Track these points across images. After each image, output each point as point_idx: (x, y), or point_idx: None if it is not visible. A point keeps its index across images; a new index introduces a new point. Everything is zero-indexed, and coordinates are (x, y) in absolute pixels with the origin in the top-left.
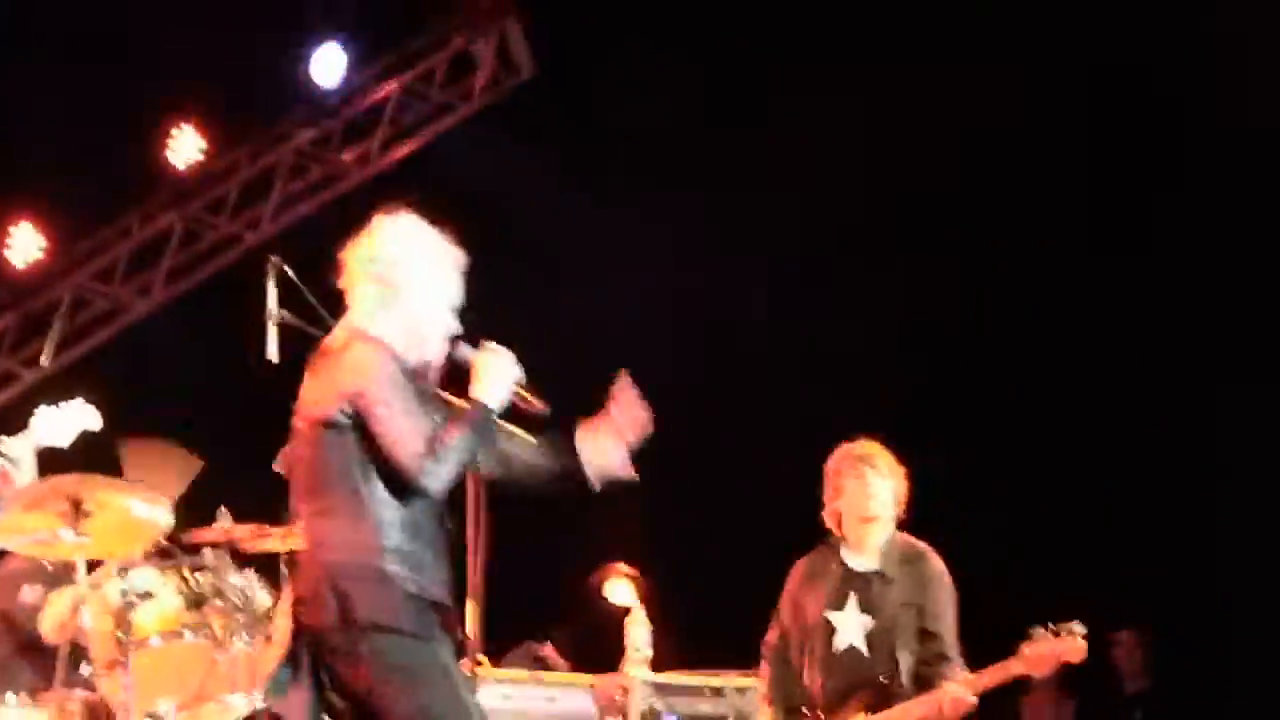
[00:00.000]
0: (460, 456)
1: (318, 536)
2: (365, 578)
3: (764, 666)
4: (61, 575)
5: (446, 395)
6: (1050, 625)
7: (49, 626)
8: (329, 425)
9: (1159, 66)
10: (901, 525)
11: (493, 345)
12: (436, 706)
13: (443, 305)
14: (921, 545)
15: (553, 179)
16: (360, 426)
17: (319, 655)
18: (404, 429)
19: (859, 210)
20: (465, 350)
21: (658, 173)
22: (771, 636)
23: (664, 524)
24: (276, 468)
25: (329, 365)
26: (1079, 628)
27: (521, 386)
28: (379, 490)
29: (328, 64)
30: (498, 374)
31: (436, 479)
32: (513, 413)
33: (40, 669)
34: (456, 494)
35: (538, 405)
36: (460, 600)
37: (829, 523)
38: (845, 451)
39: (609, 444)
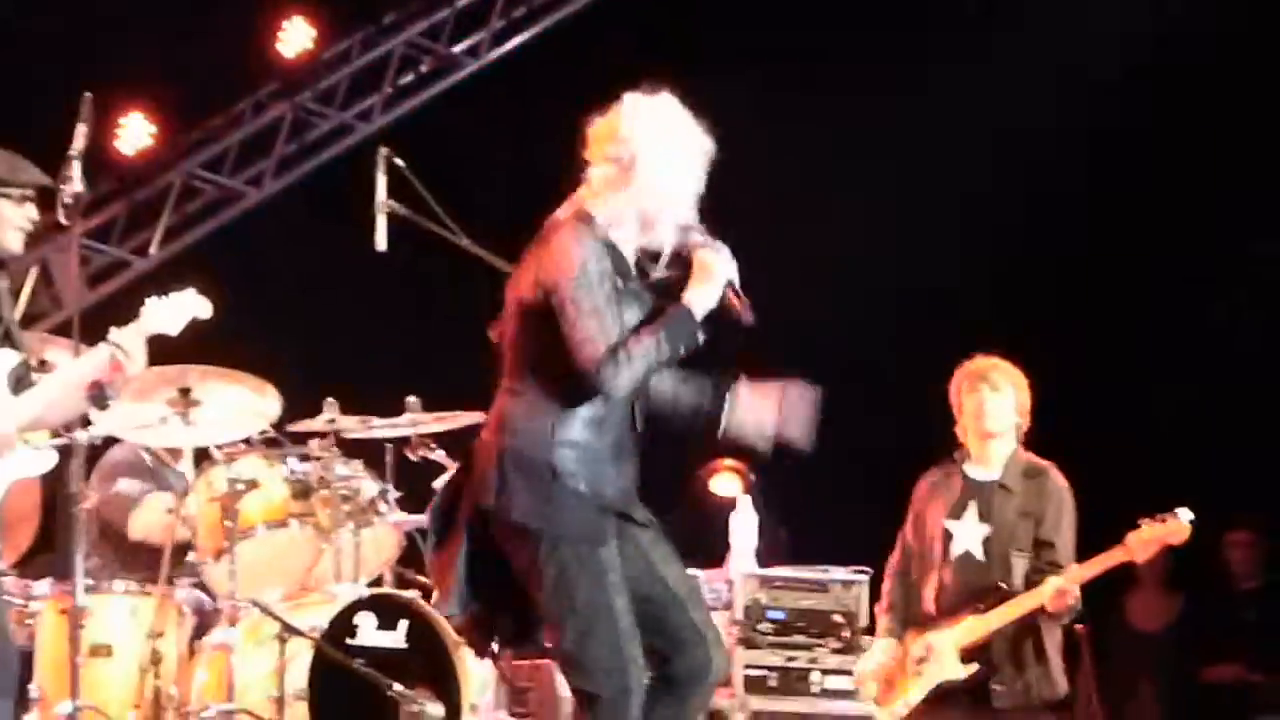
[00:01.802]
0: (645, 363)
1: (501, 415)
2: (531, 470)
3: (886, 581)
4: (160, 471)
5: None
6: (1158, 515)
7: (138, 525)
8: (529, 308)
9: None
10: (1029, 435)
11: (716, 243)
12: (580, 612)
13: (679, 193)
14: (1045, 463)
15: (662, 76)
16: (552, 314)
17: (484, 527)
18: (589, 329)
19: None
20: (695, 237)
21: (779, 82)
22: (894, 556)
23: None
24: (492, 335)
25: (540, 246)
26: (1185, 512)
27: (735, 288)
28: (568, 381)
29: None
30: (712, 276)
31: (613, 385)
32: (718, 314)
33: (134, 570)
34: None
35: (745, 314)
36: None
37: (960, 436)
38: (965, 369)
39: (765, 414)
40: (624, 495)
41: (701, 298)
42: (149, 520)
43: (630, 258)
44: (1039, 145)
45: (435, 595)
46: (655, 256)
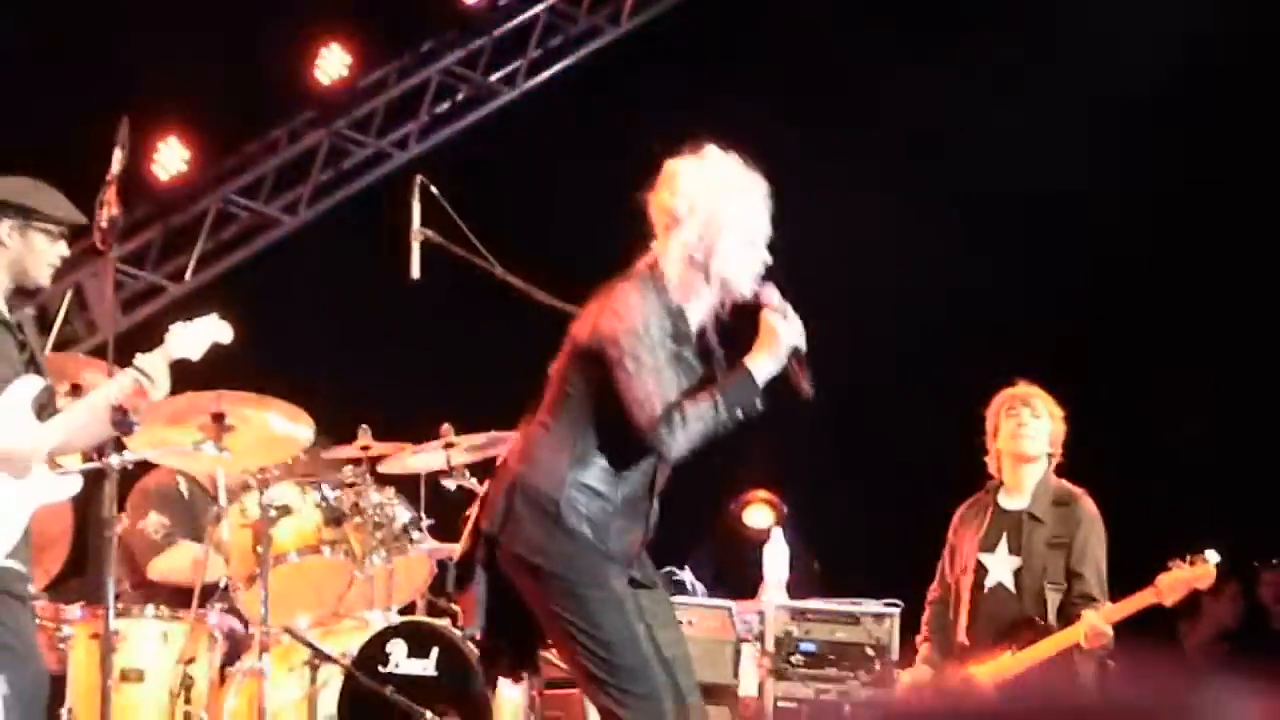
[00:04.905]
0: (702, 427)
1: (525, 444)
2: (535, 504)
3: (925, 610)
4: (195, 504)
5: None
6: (1187, 556)
7: (159, 568)
8: (583, 352)
9: None
10: (1060, 468)
11: (786, 307)
12: (605, 643)
13: (751, 243)
14: (1076, 489)
15: (698, 107)
16: (606, 367)
17: (493, 556)
18: (647, 390)
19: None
20: (769, 296)
21: (808, 107)
22: (934, 585)
23: (806, 451)
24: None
25: (605, 296)
26: (1213, 555)
27: (798, 358)
28: (601, 429)
29: None
30: (777, 342)
31: (670, 446)
32: (778, 381)
33: (151, 600)
34: None
35: (805, 387)
36: None
37: (991, 465)
38: (1005, 393)
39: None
40: (627, 553)
41: (764, 364)
42: (171, 566)
43: (694, 325)
44: (1079, 179)
45: (461, 617)
46: (720, 324)
